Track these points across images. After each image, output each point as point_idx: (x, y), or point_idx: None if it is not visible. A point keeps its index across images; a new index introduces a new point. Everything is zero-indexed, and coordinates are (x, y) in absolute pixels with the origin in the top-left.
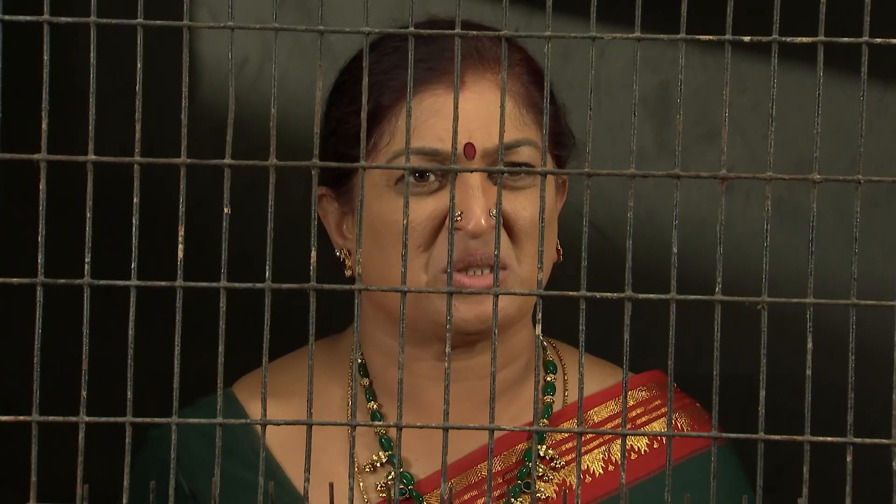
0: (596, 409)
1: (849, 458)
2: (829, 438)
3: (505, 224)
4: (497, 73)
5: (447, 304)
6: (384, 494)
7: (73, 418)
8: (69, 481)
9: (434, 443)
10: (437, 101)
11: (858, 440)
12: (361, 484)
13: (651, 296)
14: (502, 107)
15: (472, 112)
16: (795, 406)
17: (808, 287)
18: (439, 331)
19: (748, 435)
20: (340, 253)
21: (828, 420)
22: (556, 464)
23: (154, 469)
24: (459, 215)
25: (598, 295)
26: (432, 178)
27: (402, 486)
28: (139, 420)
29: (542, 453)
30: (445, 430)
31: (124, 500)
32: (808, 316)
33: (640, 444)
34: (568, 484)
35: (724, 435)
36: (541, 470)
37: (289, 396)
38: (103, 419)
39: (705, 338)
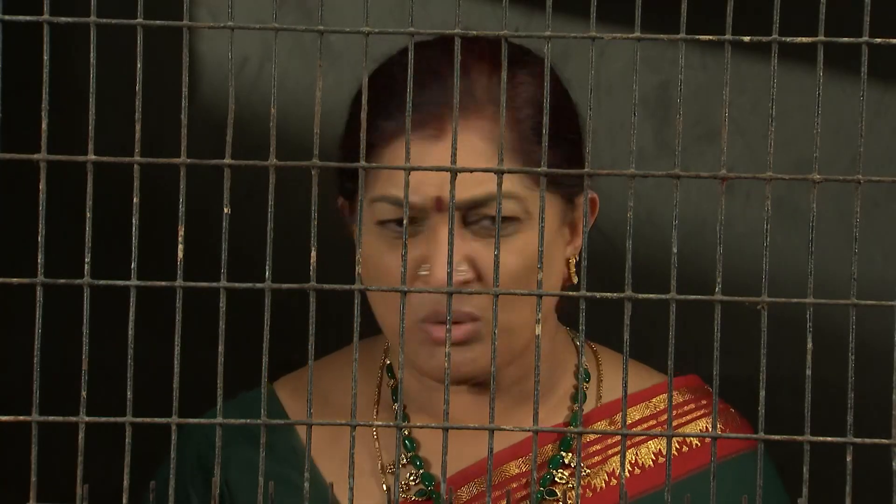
0: (628, 411)
1: (849, 458)
2: (829, 438)
3: (481, 279)
4: (486, 115)
5: (447, 305)
6: (405, 494)
7: (73, 418)
8: (69, 481)
9: (457, 445)
10: (412, 150)
11: (858, 440)
12: (385, 485)
13: (651, 296)
14: (502, 110)
15: (446, 161)
16: (795, 406)
17: (808, 287)
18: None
19: (748, 435)
20: None
21: (828, 420)
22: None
23: (184, 466)
24: (428, 268)
25: (598, 295)
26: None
27: (422, 487)
28: (139, 420)
29: (567, 461)
30: (445, 430)
31: (124, 500)
32: (808, 316)
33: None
34: (593, 486)
35: (725, 435)
36: (563, 477)
37: (329, 396)
38: (103, 419)
39: (705, 338)
